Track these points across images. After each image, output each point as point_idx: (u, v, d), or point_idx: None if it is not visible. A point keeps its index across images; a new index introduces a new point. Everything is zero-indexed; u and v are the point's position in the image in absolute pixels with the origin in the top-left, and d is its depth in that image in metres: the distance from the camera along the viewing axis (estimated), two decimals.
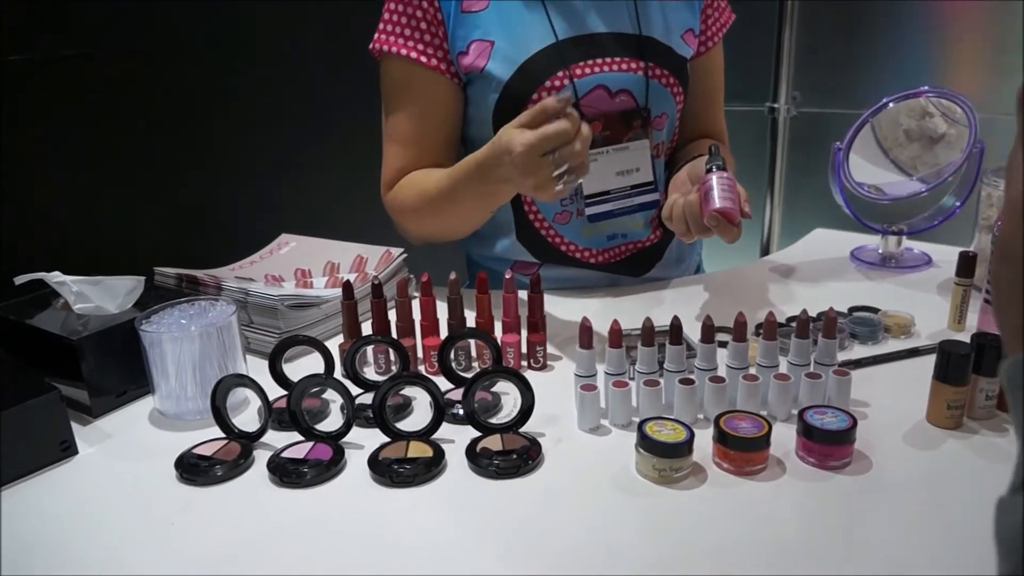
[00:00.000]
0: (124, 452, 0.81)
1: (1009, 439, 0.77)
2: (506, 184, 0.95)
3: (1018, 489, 0.29)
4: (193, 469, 0.75)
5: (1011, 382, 0.32)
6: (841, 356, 0.92)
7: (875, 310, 1.03)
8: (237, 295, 1.00)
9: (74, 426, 0.82)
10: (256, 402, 0.85)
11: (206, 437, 0.80)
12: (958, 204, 1.23)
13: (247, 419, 0.86)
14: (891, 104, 1.18)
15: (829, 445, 0.72)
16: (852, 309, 1.04)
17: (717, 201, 0.90)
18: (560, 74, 1.06)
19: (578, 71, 1.07)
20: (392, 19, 1.07)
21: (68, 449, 0.79)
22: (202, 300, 0.91)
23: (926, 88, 1.16)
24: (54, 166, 1.20)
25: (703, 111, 1.24)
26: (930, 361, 0.80)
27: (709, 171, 0.94)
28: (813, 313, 0.93)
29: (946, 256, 1.22)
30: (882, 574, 0.60)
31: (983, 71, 2.09)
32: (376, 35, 1.09)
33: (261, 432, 0.80)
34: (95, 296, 0.92)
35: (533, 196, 1.02)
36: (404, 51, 1.07)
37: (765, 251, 2.41)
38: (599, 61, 1.08)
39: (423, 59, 1.07)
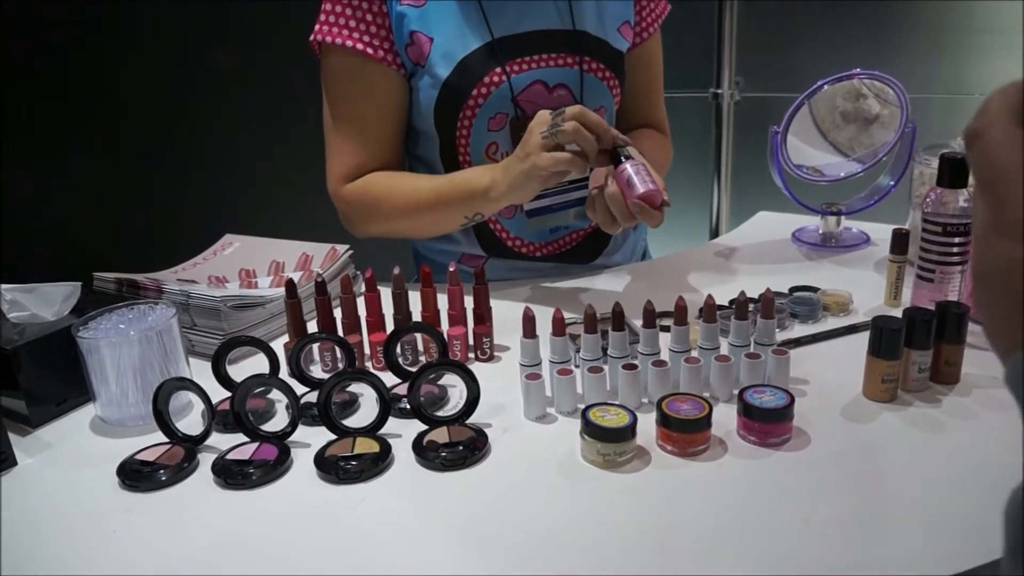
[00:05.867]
0: (65, 461, 0.80)
1: (941, 410, 0.79)
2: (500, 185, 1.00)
3: None
4: (136, 475, 0.74)
5: (1011, 384, 0.35)
6: (781, 335, 0.94)
7: (815, 289, 1.05)
8: (178, 297, 0.98)
9: (13, 437, 0.80)
10: (200, 405, 0.84)
11: (149, 443, 0.79)
12: (892, 183, 1.26)
13: (191, 423, 0.85)
14: (826, 87, 1.20)
15: (768, 423, 0.73)
16: (793, 289, 1.06)
17: (639, 187, 0.91)
18: (498, 70, 1.06)
19: (515, 67, 1.07)
20: (335, 11, 1.06)
21: (5, 461, 0.78)
22: (141, 304, 0.90)
23: (858, 70, 1.19)
24: None
25: (642, 102, 1.25)
26: (867, 337, 0.82)
27: (620, 161, 0.95)
28: (754, 295, 0.95)
29: (884, 234, 1.25)
30: (821, 545, 0.61)
31: (915, 53, 2.14)
32: (317, 27, 1.07)
33: (205, 435, 0.80)
34: (30, 304, 0.90)
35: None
36: (349, 43, 1.06)
37: (714, 234, 2.44)
38: (535, 57, 1.08)
39: (369, 51, 1.06)
